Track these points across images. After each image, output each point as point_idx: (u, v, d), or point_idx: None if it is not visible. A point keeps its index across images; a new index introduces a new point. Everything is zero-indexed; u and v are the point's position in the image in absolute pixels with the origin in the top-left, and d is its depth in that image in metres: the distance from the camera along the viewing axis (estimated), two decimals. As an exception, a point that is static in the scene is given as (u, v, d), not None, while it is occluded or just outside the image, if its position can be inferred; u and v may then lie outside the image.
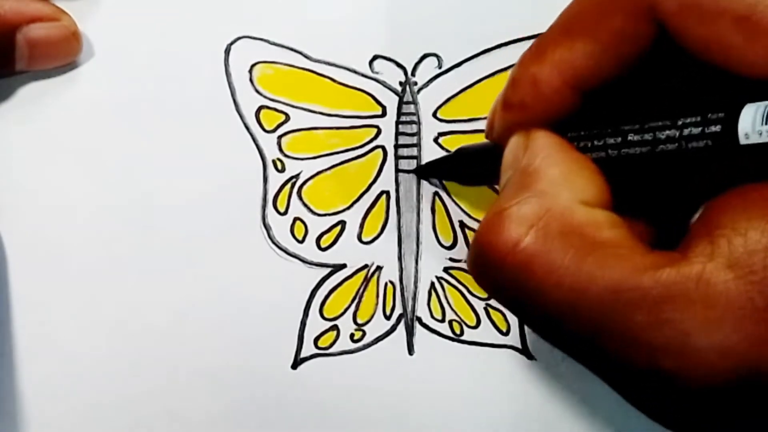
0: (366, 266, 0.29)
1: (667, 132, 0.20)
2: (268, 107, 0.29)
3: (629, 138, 0.21)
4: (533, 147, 0.22)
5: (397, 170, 0.29)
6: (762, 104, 0.18)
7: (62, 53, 0.29)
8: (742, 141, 0.18)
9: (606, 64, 0.21)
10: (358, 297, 0.29)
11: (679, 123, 0.20)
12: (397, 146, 0.30)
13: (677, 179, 0.21)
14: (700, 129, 0.19)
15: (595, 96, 0.22)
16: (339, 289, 0.29)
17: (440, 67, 0.29)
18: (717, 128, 0.19)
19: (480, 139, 0.29)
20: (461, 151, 0.28)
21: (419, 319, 0.29)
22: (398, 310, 0.29)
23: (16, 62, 0.28)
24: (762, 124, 0.18)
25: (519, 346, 0.29)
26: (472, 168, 0.27)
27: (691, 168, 0.20)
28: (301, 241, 0.29)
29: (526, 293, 0.20)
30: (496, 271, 0.20)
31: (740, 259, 0.17)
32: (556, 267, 0.19)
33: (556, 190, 0.20)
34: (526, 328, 0.29)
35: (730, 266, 0.17)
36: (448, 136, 0.29)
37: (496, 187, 0.28)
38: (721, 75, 0.19)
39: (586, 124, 0.22)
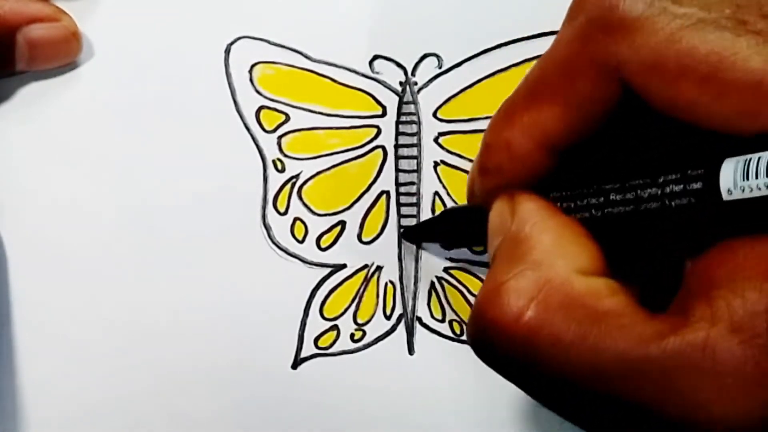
0: (366, 266, 0.29)
1: (649, 190, 0.20)
2: (268, 107, 0.29)
3: (611, 197, 0.21)
4: (520, 213, 0.22)
5: (397, 170, 0.29)
6: (741, 159, 0.18)
7: (62, 53, 0.29)
8: (725, 197, 0.18)
9: (576, 124, 0.21)
10: (358, 297, 0.29)
11: (660, 180, 0.20)
12: (397, 146, 0.30)
13: (663, 236, 0.21)
14: (681, 186, 0.19)
15: (571, 153, 0.22)
16: (339, 289, 0.29)
17: (440, 67, 0.29)
18: (698, 185, 0.19)
19: (479, 138, 0.29)
20: (447, 213, 0.28)
21: (419, 319, 0.29)
22: (398, 310, 0.29)
23: (16, 62, 0.28)
24: (743, 179, 0.18)
25: (519, 346, 0.29)
26: (459, 230, 0.27)
27: (677, 224, 0.20)
28: (301, 241, 0.29)
29: (532, 366, 0.20)
30: (499, 345, 0.20)
31: (742, 323, 0.17)
32: (560, 340, 0.19)
33: (552, 260, 0.20)
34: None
35: (733, 331, 0.17)
36: (448, 136, 0.29)
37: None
38: (696, 128, 0.19)
39: (566, 183, 0.22)
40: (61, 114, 0.29)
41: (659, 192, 0.20)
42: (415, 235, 0.29)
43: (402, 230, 0.29)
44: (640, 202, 0.20)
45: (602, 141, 0.22)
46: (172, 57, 0.29)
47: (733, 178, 0.18)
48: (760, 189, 0.17)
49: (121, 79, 0.29)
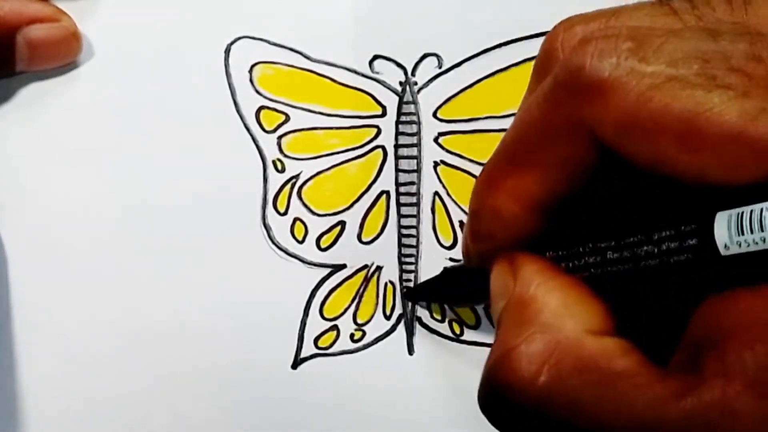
0: (366, 266, 0.29)
1: (645, 248, 0.20)
2: (268, 107, 0.29)
3: (608, 256, 0.21)
4: (522, 275, 0.22)
5: (397, 170, 0.29)
6: (733, 213, 0.18)
7: (62, 53, 0.29)
8: (723, 252, 0.18)
9: (559, 184, 0.21)
10: (358, 297, 0.29)
11: (655, 238, 0.20)
12: (397, 146, 0.30)
13: (665, 291, 0.21)
14: (677, 243, 0.19)
15: (560, 210, 0.22)
16: (339, 289, 0.29)
17: (440, 67, 0.29)
18: (694, 241, 0.19)
19: (480, 138, 0.29)
20: (448, 272, 0.28)
21: (419, 319, 0.29)
22: (398, 310, 0.29)
23: (16, 63, 0.28)
24: (738, 234, 0.18)
25: (519, 346, 0.29)
26: (460, 289, 0.27)
27: (678, 279, 0.20)
28: (301, 242, 0.29)
29: (548, 428, 0.19)
30: (513, 410, 0.20)
31: (757, 378, 0.17)
32: (576, 403, 0.19)
33: (560, 321, 0.20)
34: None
35: (748, 387, 0.17)
36: (448, 136, 0.29)
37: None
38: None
39: (560, 242, 0.22)
40: (61, 114, 0.29)
41: (656, 250, 0.20)
42: (416, 296, 0.29)
43: (404, 291, 0.29)
44: (638, 260, 0.20)
45: (591, 194, 0.22)
46: (172, 57, 0.29)
47: (728, 234, 0.18)
48: (757, 243, 0.18)
49: (121, 79, 0.29)
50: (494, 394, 0.20)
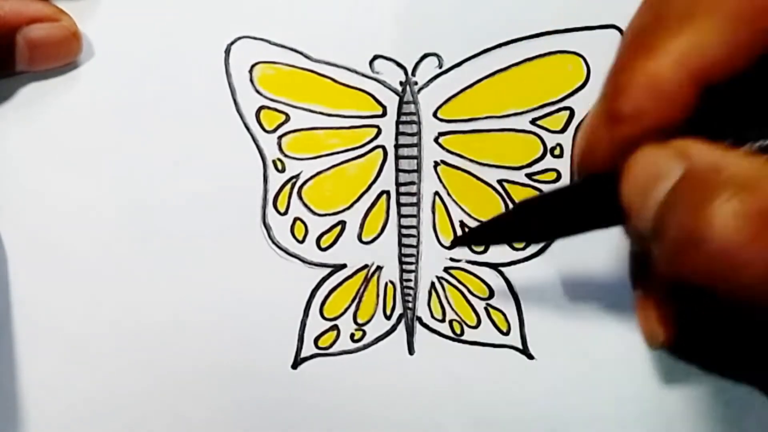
0: (366, 266, 0.29)
1: None
2: (268, 107, 0.29)
3: None
4: (695, 152, 0.18)
5: (398, 170, 0.29)
6: None
7: (62, 53, 0.29)
8: None
9: (736, 48, 0.18)
10: (358, 297, 0.29)
11: None
12: (397, 146, 0.30)
13: None
14: None
15: (716, 94, 0.19)
16: (339, 289, 0.29)
17: (440, 67, 0.29)
18: None
19: (480, 138, 0.29)
20: (522, 206, 0.23)
21: (419, 319, 0.29)
22: (398, 310, 0.29)
23: (16, 63, 0.28)
24: None
25: (519, 346, 0.29)
26: (562, 215, 0.22)
27: None
28: (302, 241, 0.29)
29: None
30: (731, 276, 0.17)
31: None
32: None
33: (758, 177, 0.17)
34: (526, 327, 0.29)
35: None
36: (449, 136, 0.29)
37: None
38: None
39: (719, 127, 0.19)
40: (61, 114, 0.29)
41: None
42: (478, 238, 0.26)
43: (457, 238, 0.27)
44: None
45: (744, 83, 0.19)
46: (172, 57, 0.29)
47: None
48: None
49: (121, 79, 0.29)
50: (703, 266, 0.17)
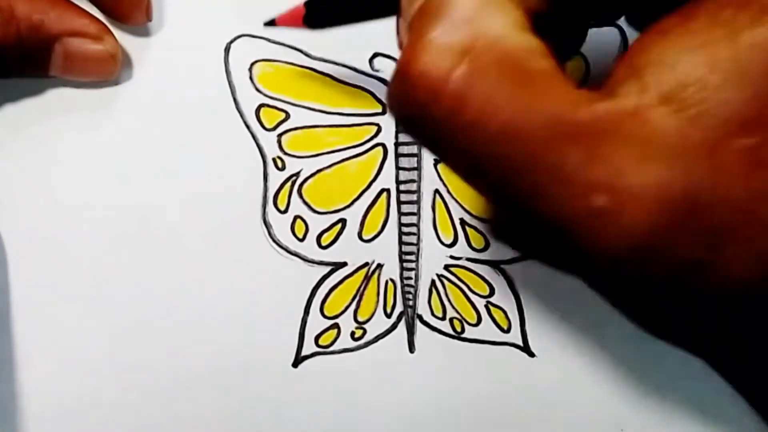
0: (366, 264, 0.29)
1: None
2: (268, 105, 0.29)
3: None
4: None
5: (398, 168, 0.29)
6: None
7: (97, 72, 0.28)
8: None
9: None
10: (358, 295, 0.29)
11: None
12: (397, 144, 0.30)
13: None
14: None
15: None
16: (340, 287, 0.29)
17: (440, 65, 0.29)
18: None
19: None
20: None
21: (420, 317, 0.29)
22: (399, 308, 0.29)
23: (50, 68, 0.28)
24: None
25: (520, 343, 0.29)
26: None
27: None
28: (302, 240, 0.29)
29: (459, 128, 0.18)
30: (425, 104, 0.18)
31: (673, 93, 0.17)
32: (492, 100, 0.18)
33: (485, 13, 0.18)
34: (527, 325, 0.29)
35: (663, 101, 0.17)
36: (449, 134, 0.29)
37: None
38: None
39: None
40: (61, 113, 0.29)
41: None
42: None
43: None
44: None
45: None
46: (172, 56, 0.29)
47: None
48: None
49: (121, 79, 0.29)
50: (408, 86, 0.18)
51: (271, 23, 0.27)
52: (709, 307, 0.18)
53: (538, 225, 0.18)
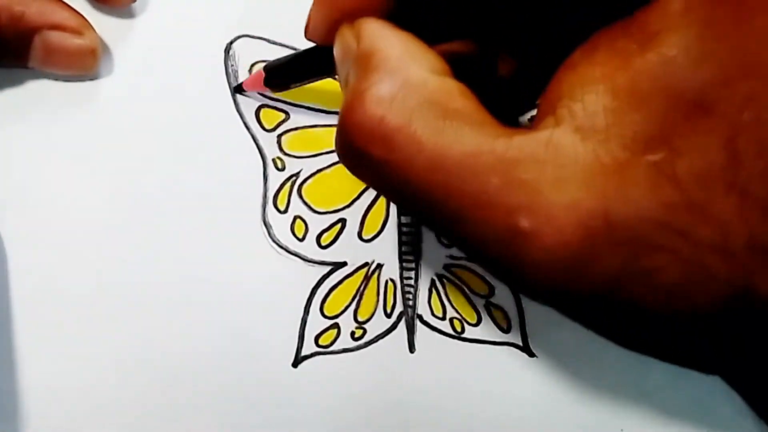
0: (366, 264, 0.30)
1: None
2: (268, 106, 0.30)
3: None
4: (366, 33, 0.22)
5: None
6: None
7: (75, 66, 0.29)
8: None
9: None
10: (358, 295, 0.29)
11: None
12: (396, 144, 0.30)
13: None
14: None
15: None
16: (339, 287, 0.29)
17: (440, 65, 0.29)
18: None
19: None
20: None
21: (420, 317, 0.29)
22: (399, 308, 0.29)
23: (29, 60, 0.28)
24: None
25: (520, 343, 0.29)
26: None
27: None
28: (302, 240, 0.29)
29: (392, 167, 0.20)
30: (362, 149, 0.20)
31: (583, 122, 0.18)
32: (416, 139, 0.19)
33: (406, 64, 0.21)
34: (527, 325, 0.29)
35: (575, 130, 0.19)
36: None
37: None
38: None
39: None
40: (61, 113, 0.29)
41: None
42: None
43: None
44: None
45: None
46: (172, 56, 0.29)
47: None
48: None
49: (121, 79, 0.29)
50: (348, 136, 0.20)
51: (239, 88, 0.29)
52: (643, 315, 0.19)
53: (475, 250, 0.20)
